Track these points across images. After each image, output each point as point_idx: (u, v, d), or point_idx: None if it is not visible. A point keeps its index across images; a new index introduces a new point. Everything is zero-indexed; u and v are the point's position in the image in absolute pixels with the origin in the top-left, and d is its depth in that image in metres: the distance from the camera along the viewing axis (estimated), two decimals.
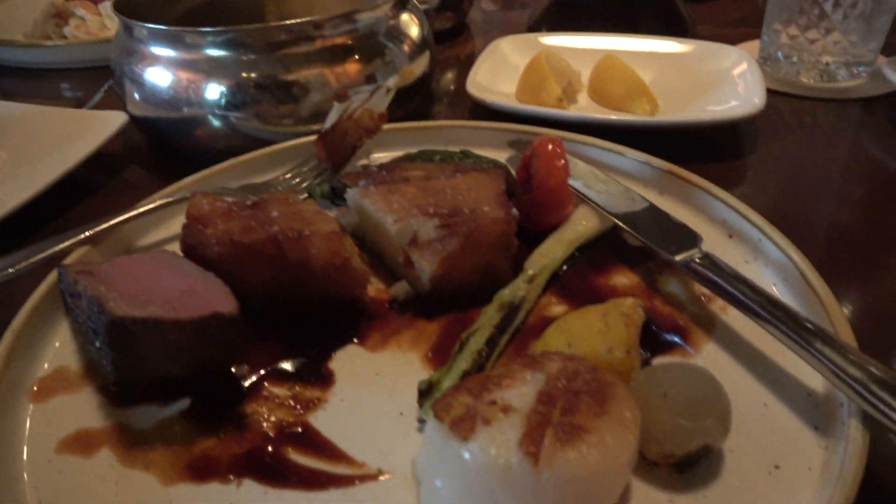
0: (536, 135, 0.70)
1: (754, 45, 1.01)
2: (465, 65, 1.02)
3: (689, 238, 0.53)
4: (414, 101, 0.83)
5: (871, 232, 0.64)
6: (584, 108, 0.84)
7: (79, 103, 0.99)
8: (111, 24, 1.08)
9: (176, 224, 0.62)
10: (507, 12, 1.25)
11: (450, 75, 1.01)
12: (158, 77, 0.73)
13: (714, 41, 0.96)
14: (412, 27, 0.82)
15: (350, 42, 0.73)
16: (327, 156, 0.66)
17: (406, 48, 0.80)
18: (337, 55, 0.73)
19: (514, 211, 0.52)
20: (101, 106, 0.92)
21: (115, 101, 0.81)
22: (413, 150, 0.72)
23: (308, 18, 0.69)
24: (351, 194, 0.57)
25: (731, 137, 0.78)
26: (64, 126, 0.77)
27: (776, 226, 0.54)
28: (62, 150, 0.72)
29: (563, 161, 0.58)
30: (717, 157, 0.74)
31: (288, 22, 0.69)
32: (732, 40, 1.03)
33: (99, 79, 1.03)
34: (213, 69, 0.71)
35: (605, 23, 1.04)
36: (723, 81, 0.84)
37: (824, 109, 0.86)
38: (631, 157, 0.66)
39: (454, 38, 1.14)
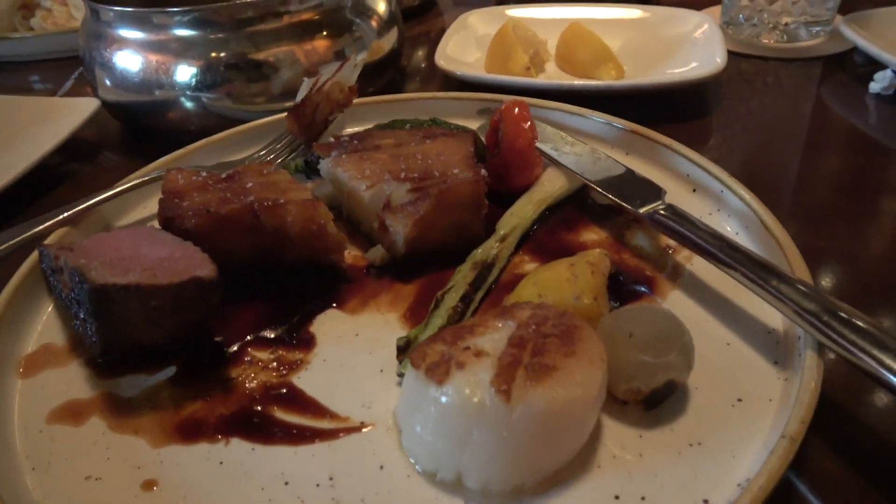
0: (503, 101, 0.71)
1: (717, 10, 1.03)
2: (435, 41, 1.03)
3: (654, 192, 0.55)
4: (384, 77, 0.84)
5: (830, 180, 0.66)
6: (552, 76, 0.85)
7: (49, 94, 0.98)
8: (78, 14, 1.08)
9: (153, 203, 0.62)
10: None
11: (420, 52, 1.02)
12: (128, 61, 0.73)
13: (678, 7, 0.98)
14: (379, 3, 0.83)
15: (317, 17, 0.74)
16: (300, 130, 0.67)
17: (374, 24, 0.81)
18: (305, 32, 0.74)
19: (484, 171, 0.53)
20: (72, 94, 0.92)
21: (86, 89, 0.81)
22: (384, 122, 0.74)
23: None
24: (324, 165, 0.58)
25: (696, 99, 0.80)
26: (35, 114, 0.77)
27: (740, 180, 0.57)
28: (35, 138, 0.72)
29: (529, 123, 0.59)
30: (683, 118, 0.76)
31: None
32: (697, 7, 1.05)
33: (68, 69, 1.03)
34: (182, 50, 0.71)
35: None
36: (685, 44, 0.86)
37: (786, 69, 0.88)
38: (596, 119, 0.67)
39: (423, 14, 1.14)
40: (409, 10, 1.11)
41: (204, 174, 0.54)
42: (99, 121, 0.78)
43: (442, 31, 1.07)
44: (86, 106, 0.76)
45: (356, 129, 0.73)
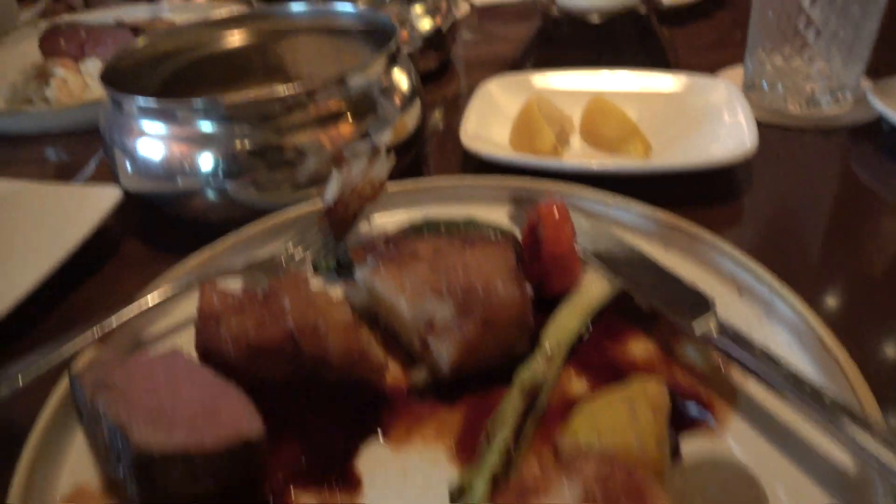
0: (536, 189, 0.70)
1: (737, 72, 1.02)
2: (454, 104, 1.02)
3: (702, 302, 0.53)
4: (409, 154, 0.83)
5: (872, 270, 0.65)
6: (579, 152, 0.84)
7: (65, 169, 0.97)
8: (93, 82, 1.07)
9: (182, 310, 0.61)
10: (489, 46, 1.25)
11: (438, 115, 1.01)
12: (150, 150, 0.72)
13: (696, 69, 0.97)
14: (402, 78, 0.82)
15: (343, 104, 0.73)
16: (331, 228, 0.65)
17: (397, 100, 0.80)
18: (331, 118, 0.73)
19: (529, 289, 0.51)
20: (92, 177, 0.90)
21: (106, 172, 0.80)
22: (413, 210, 0.72)
23: (300, 86, 0.69)
24: (360, 274, 0.57)
25: (720, 173, 0.79)
26: (56, 204, 0.76)
27: (776, 270, 0.55)
28: (55, 233, 0.71)
29: (569, 225, 0.58)
30: (709, 196, 0.75)
31: (280, 92, 0.68)
32: (713, 66, 1.04)
33: (85, 142, 1.01)
34: (205, 140, 0.70)
35: (587, 53, 1.04)
36: (712, 117, 0.84)
37: (813, 139, 0.87)
38: (633, 210, 0.66)
39: (440, 76, 1.13)
40: (425, 73, 1.10)
41: (240, 294, 0.52)
42: (120, 206, 0.76)
43: (459, 94, 1.07)
44: (108, 196, 0.75)
45: (385, 219, 0.72)
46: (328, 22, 0.95)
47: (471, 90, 1.02)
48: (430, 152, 0.90)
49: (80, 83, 1.07)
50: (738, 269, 0.58)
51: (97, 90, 1.07)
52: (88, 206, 0.74)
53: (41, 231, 0.73)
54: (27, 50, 1.18)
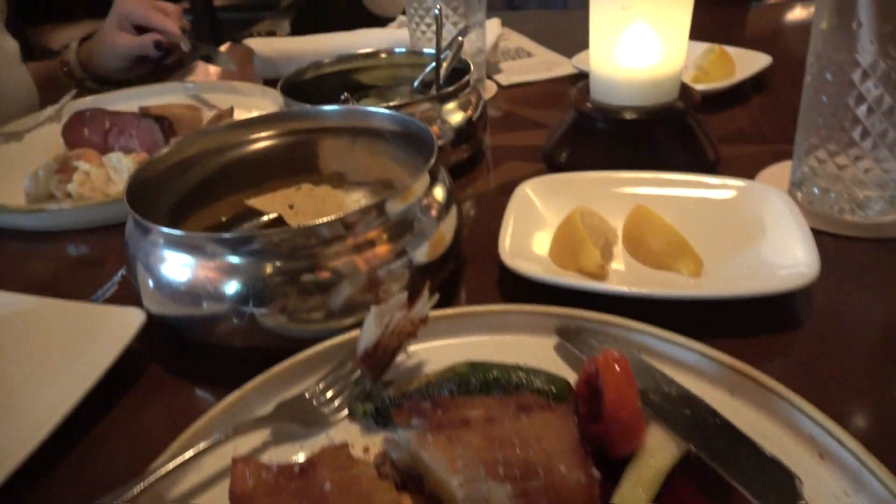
0: (585, 321, 0.65)
1: (782, 169, 0.98)
2: (487, 200, 0.99)
3: (786, 481, 0.48)
4: (445, 269, 0.79)
5: None
6: (624, 268, 0.80)
7: (86, 265, 0.94)
8: (116, 176, 1.04)
9: (208, 464, 0.56)
10: (520, 132, 1.22)
11: (472, 212, 0.98)
12: (175, 273, 0.68)
13: (738, 166, 0.94)
14: (440, 190, 0.78)
15: (381, 229, 0.69)
16: (368, 370, 0.61)
17: (434, 212, 0.76)
18: (367, 243, 0.69)
19: (596, 472, 0.47)
20: (113, 297, 0.86)
21: (129, 290, 0.76)
22: (452, 338, 0.68)
23: (338, 218, 0.65)
24: (404, 437, 0.52)
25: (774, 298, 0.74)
26: (76, 325, 0.72)
27: (841, 415, 0.50)
28: (76, 360, 0.67)
29: (632, 385, 0.53)
30: (761, 315, 0.71)
31: (316, 227, 0.65)
32: (756, 161, 1.01)
33: (106, 238, 0.98)
34: (234, 269, 0.66)
35: (624, 150, 1.01)
36: (765, 230, 0.80)
37: (870, 249, 0.83)
38: (693, 350, 0.61)
39: (471, 167, 1.10)
40: (456, 164, 1.08)
41: (274, 468, 0.48)
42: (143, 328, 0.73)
43: (490, 187, 1.03)
44: (131, 319, 0.71)
45: (422, 347, 0.67)
46: (361, 122, 0.93)
47: (502, 182, 0.99)
48: (466, 258, 0.86)
49: (103, 177, 1.05)
50: (817, 429, 0.53)
51: (120, 184, 1.04)
52: (110, 329, 0.70)
53: (60, 356, 0.69)
54: (49, 142, 1.17)
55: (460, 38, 1.13)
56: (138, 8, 1.34)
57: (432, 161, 0.75)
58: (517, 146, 1.16)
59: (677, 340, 0.62)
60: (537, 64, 1.50)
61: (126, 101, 1.30)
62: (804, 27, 1.62)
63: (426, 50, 1.21)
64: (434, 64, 1.15)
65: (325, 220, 0.65)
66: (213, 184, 0.90)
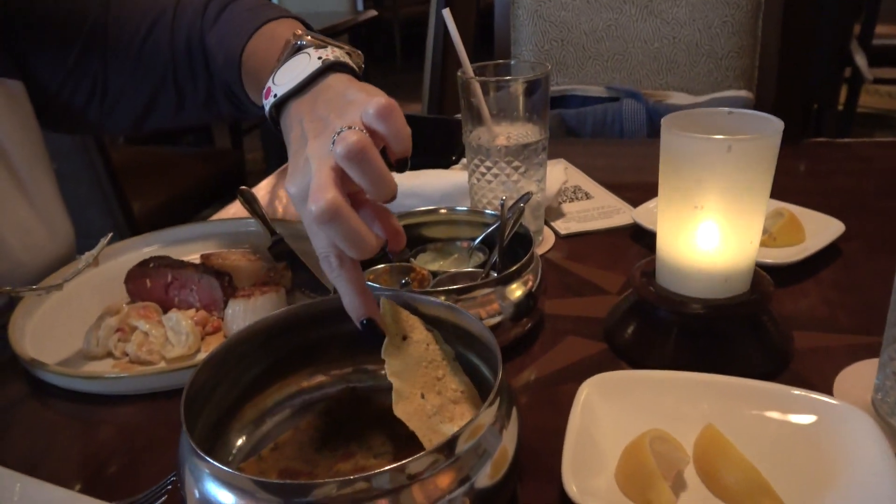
0: None
1: (863, 371, 0.92)
2: (546, 388, 0.95)
3: None
4: (508, 488, 0.75)
5: None
6: (699, 502, 0.75)
7: (137, 435, 0.93)
8: (175, 338, 1.05)
9: None
10: (579, 301, 1.20)
11: (529, 404, 0.94)
12: (225, 499, 0.66)
13: (814, 369, 0.89)
14: (504, 404, 0.75)
15: (449, 468, 0.66)
16: None
17: (497, 428, 0.73)
18: (431, 483, 0.66)
19: None
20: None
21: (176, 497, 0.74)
22: None
23: (401, 467, 0.62)
24: None
25: None
26: None
27: None
28: None
29: None
30: None
31: (379, 473, 0.62)
32: (832, 359, 0.96)
33: (158, 406, 0.98)
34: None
35: (689, 344, 0.97)
36: (850, 465, 0.75)
37: None
38: None
39: (529, 344, 1.07)
40: (513, 342, 1.05)
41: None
42: None
43: (550, 376, 1.00)
44: None
45: None
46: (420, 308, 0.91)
47: (563, 366, 0.96)
48: (523, 466, 0.82)
49: (161, 338, 1.05)
50: None
51: (178, 347, 1.04)
52: None
53: None
54: (90, 292, 1.18)
55: (522, 205, 1.13)
56: None
57: (499, 378, 0.72)
58: (576, 317, 1.13)
59: None
60: (596, 210, 1.49)
61: (178, 243, 1.32)
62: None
63: (488, 211, 1.21)
64: (494, 226, 1.15)
65: (386, 469, 0.62)
66: (267, 380, 0.90)
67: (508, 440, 0.74)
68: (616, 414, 0.84)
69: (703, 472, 0.77)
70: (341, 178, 0.72)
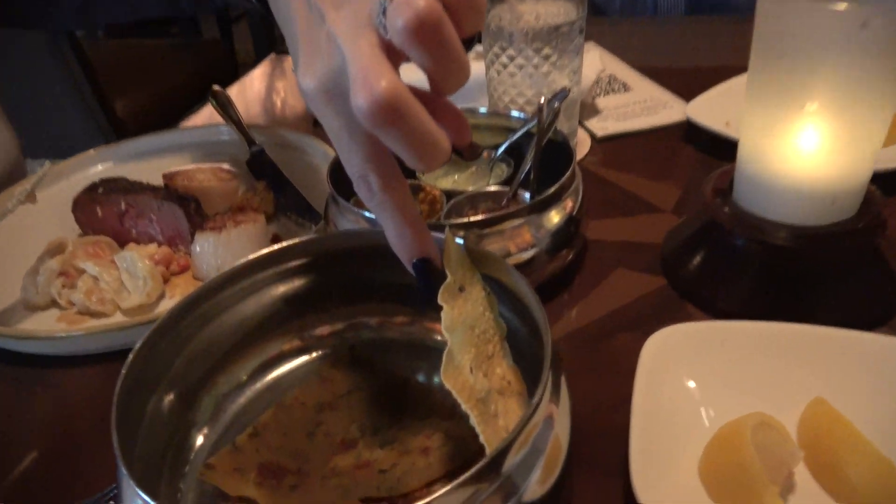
0: None
1: None
2: (597, 344, 0.75)
3: None
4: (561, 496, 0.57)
5: None
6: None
7: (86, 405, 0.75)
8: (131, 283, 0.84)
9: None
10: (627, 222, 0.98)
11: (576, 366, 0.75)
12: None
13: None
14: (554, 388, 0.56)
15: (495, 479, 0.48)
16: None
17: (552, 420, 0.54)
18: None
19: None
20: None
21: None
22: None
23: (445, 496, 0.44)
24: None
25: None
26: None
27: None
28: None
29: None
30: None
31: None
32: None
33: (114, 370, 0.79)
34: None
35: (774, 279, 0.77)
36: None
37: None
38: None
39: (568, 282, 0.87)
40: (550, 279, 0.84)
41: None
42: None
43: (599, 323, 0.81)
44: None
45: None
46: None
47: (615, 308, 0.76)
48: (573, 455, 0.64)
49: (114, 283, 0.85)
50: None
51: (136, 295, 0.84)
52: None
53: None
54: (34, 226, 0.97)
55: (557, 105, 0.89)
56: None
57: (548, 367, 0.52)
58: (624, 243, 0.92)
59: None
60: (638, 105, 1.24)
61: (137, 158, 1.10)
62: None
63: (513, 113, 0.97)
64: (520, 131, 0.92)
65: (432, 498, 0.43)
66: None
67: (560, 430, 0.55)
68: (696, 382, 0.65)
69: (815, 465, 0.59)
70: (389, 57, 0.49)
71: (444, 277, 0.56)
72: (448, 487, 0.44)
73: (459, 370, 0.53)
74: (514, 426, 0.47)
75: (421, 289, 0.57)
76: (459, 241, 0.61)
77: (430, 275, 0.56)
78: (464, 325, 0.56)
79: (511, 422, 0.54)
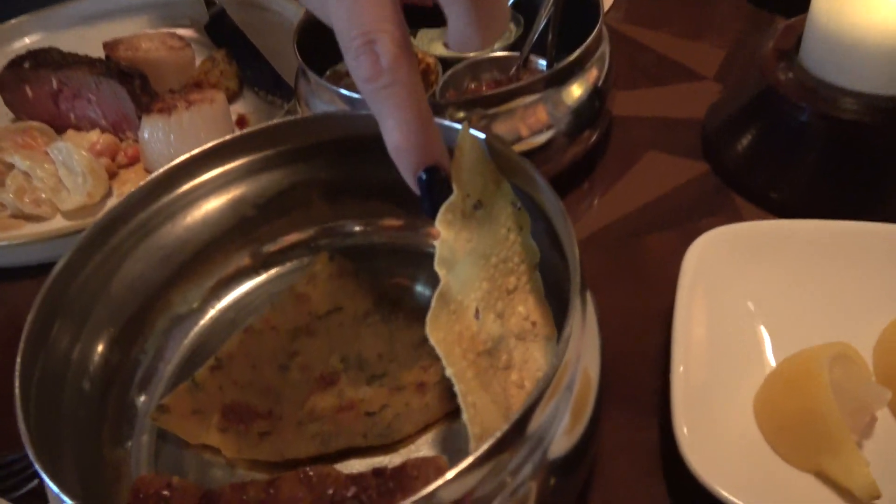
0: None
1: None
2: (620, 238, 0.63)
3: None
4: (588, 456, 0.46)
5: None
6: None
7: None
8: (69, 179, 0.71)
9: None
10: (660, 93, 0.82)
11: (602, 271, 0.63)
12: None
13: None
14: (583, 328, 0.44)
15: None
16: None
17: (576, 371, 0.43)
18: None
19: None
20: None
21: None
22: None
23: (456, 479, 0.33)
24: None
25: None
26: None
27: None
28: None
29: None
30: None
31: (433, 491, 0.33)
32: None
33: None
34: None
35: (845, 162, 0.63)
36: None
37: None
38: None
39: (591, 168, 0.73)
40: (572, 165, 0.71)
41: None
42: None
43: (630, 222, 0.69)
44: None
45: None
46: None
47: (647, 202, 0.64)
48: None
49: (50, 181, 0.72)
50: None
51: (75, 193, 0.71)
52: None
53: None
54: None
55: None
56: None
57: (577, 306, 0.40)
58: (658, 119, 0.77)
59: None
60: None
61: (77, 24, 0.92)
62: None
63: None
64: None
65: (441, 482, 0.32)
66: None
67: (590, 364, 0.44)
68: (752, 298, 0.53)
69: None
70: None
71: (451, 191, 0.42)
72: (453, 473, 0.33)
73: (457, 316, 0.41)
74: (532, 392, 0.35)
75: (425, 208, 0.43)
76: (480, 135, 0.46)
77: (439, 189, 0.42)
78: (473, 256, 0.42)
79: (528, 375, 0.43)
